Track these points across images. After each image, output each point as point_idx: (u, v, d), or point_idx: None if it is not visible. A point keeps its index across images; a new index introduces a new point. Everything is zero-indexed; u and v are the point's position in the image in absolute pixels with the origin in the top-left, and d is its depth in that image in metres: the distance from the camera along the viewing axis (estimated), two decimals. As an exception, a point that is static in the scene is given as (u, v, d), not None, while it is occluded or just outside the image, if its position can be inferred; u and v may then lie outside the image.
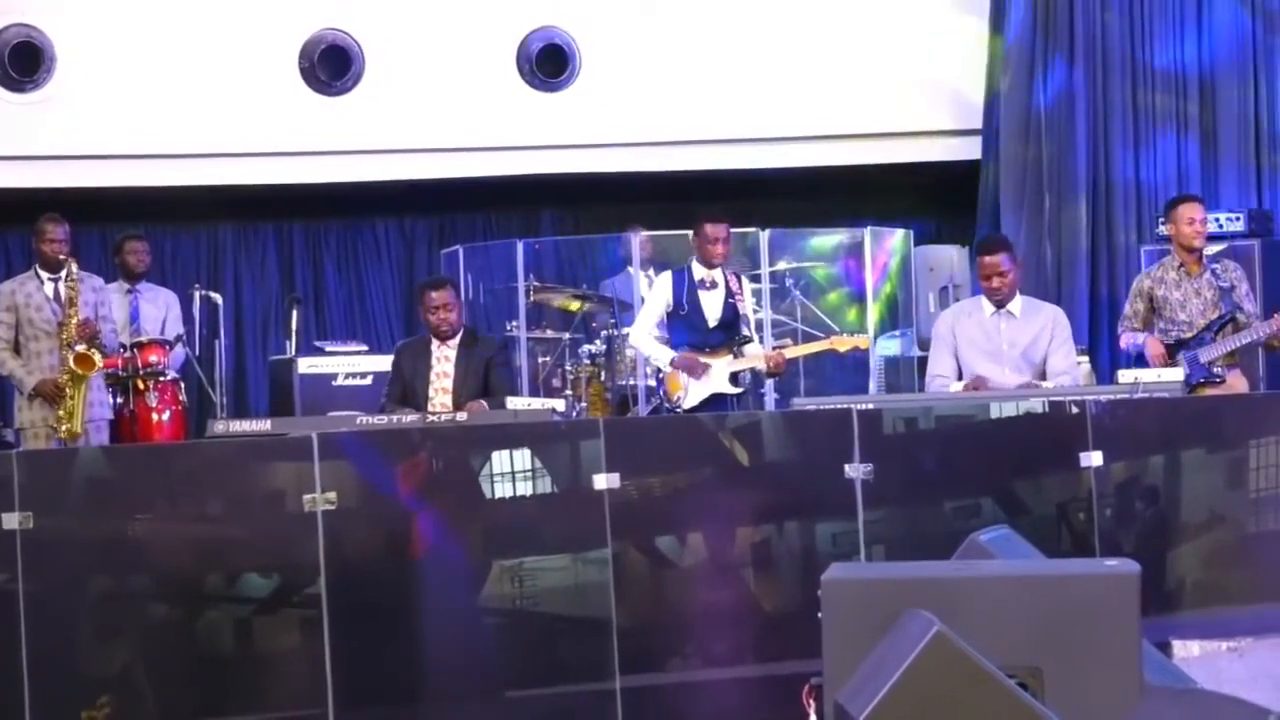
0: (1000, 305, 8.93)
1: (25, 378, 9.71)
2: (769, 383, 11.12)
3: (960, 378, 8.98)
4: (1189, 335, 9.41)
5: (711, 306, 9.87)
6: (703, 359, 9.78)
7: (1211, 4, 12.77)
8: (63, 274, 9.86)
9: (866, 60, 13.76)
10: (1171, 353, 9.40)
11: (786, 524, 7.18)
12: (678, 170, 14.01)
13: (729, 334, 9.89)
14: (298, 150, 13.76)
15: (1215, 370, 9.28)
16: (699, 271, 9.90)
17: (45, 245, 9.89)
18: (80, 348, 9.71)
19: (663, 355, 9.92)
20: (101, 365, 9.93)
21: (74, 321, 9.73)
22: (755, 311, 10.79)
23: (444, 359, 9.46)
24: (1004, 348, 8.89)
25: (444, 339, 9.47)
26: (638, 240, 12.47)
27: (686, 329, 9.89)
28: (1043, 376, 8.86)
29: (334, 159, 13.87)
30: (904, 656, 4.21)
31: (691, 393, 9.76)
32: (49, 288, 9.88)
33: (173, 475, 6.81)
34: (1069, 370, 8.92)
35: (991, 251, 9.05)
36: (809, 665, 5.02)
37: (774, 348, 10.48)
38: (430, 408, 9.23)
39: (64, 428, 9.63)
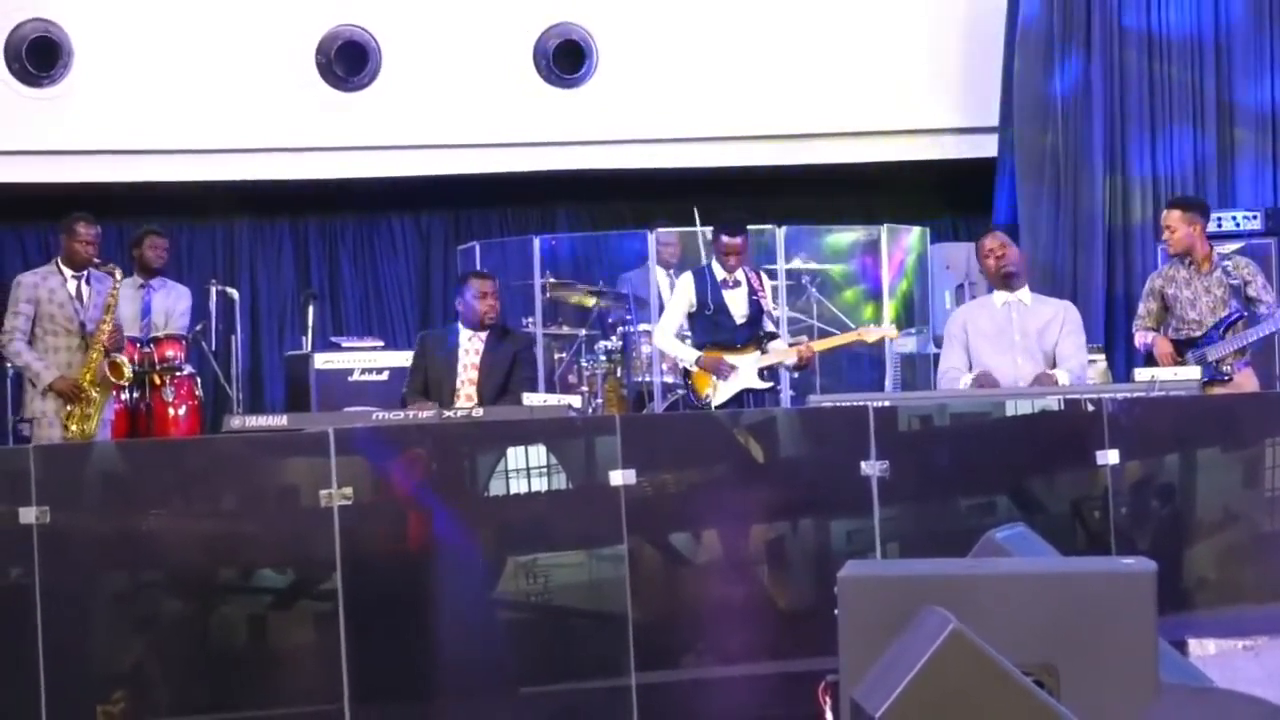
0: (1006, 281, 8.98)
1: (43, 372, 9.74)
2: (785, 380, 11.13)
3: (971, 370, 9.01)
4: (1198, 334, 9.41)
5: (736, 304, 9.90)
6: (729, 358, 9.80)
7: (1229, 4, 12.75)
8: (85, 274, 9.93)
9: (884, 57, 13.77)
10: (1180, 351, 9.41)
11: (802, 521, 7.18)
12: (694, 167, 14.01)
13: (754, 330, 9.92)
14: (314, 146, 13.77)
15: (1223, 369, 9.29)
16: (720, 271, 9.92)
17: (77, 244, 9.94)
18: (119, 357, 9.83)
19: (688, 355, 9.94)
20: (131, 375, 10.06)
21: (109, 328, 9.82)
22: (775, 308, 10.80)
23: (472, 351, 9.48)
24: (1015, 337, 8.92)
25: (486, 328, 9.50)
26: (654, 237, 12.45)
27: (712, 328, 9.91)
28: (1053, 366, 8.89)
29: (350, 155, 13.87)
30: (920, 654, 4.21)
31: (721, 390, 9.79)
32: (71, 285, 9.93)
33: (188, 470, 6.82)
34: (1076, 356, 8.94)
35: (986, 234, 9.36)
36: (824, 662, 5.01)
37: (790, 344, 10.48)
38: (456, 398, 9.27)
39: (76, 426, 9.68)
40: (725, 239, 9.88)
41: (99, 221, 10.28)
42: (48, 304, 9.86)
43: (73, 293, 9.93)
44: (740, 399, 9.78)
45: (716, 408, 9.67)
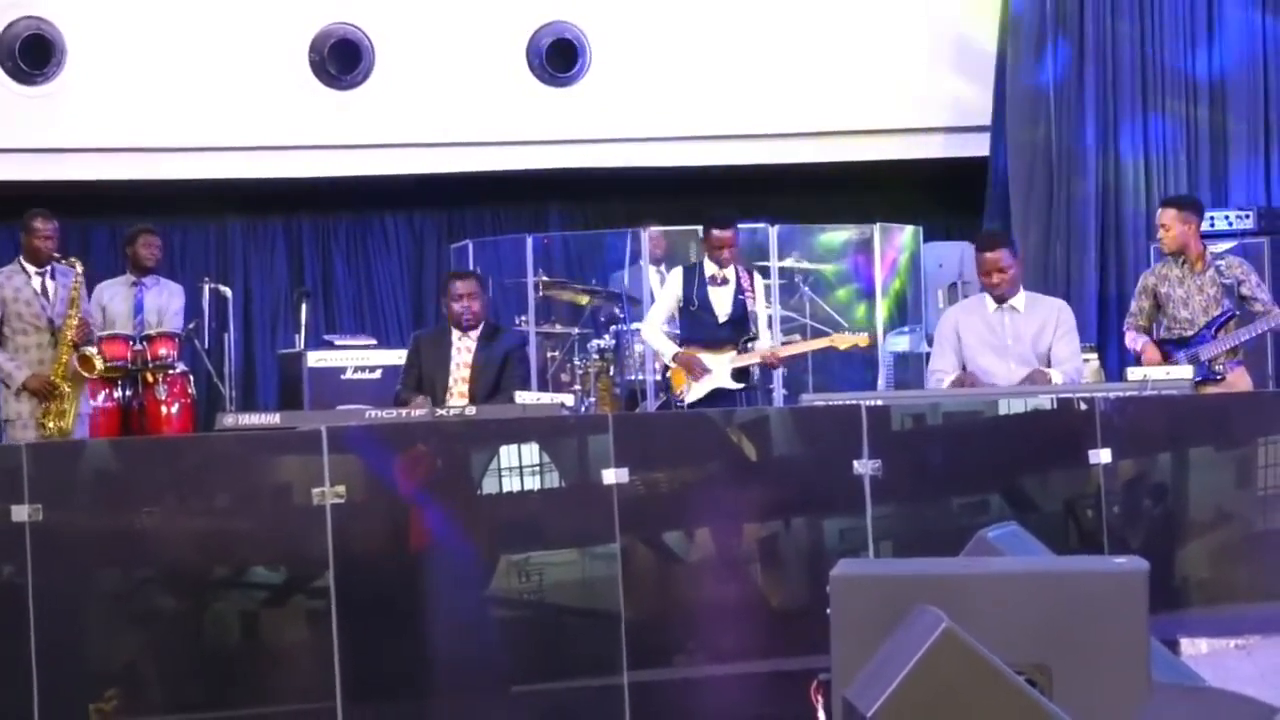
0: (1001, 301, 8.89)
1: (15, 372, 9.76)
2: (778, 379, 11.15)
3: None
4: (1190, 333, 9.40)
5: (721, 303, 9.91)
6: (704, 358, 9.84)
7: (1222, 1, 12.75)
8: (48, 269, 9.95)
9: (877, 56, 13.78)
10: (1172, 350, 9.40)
11: (795, 520, 7.17)
12: (687, 165, 14.02)
13: (738, 330, 9.93)
14: (307, 144, 13.77)
15: (1215, 369, 9.28)
16: (710, 267, 9.93)
17: (36, 240, 9.99)
18: (89, 350, 9.82)
19: (666, 350, 10.05)
20: (102, 368, 10.06)
21: (75, 323, 9.82)
22: (766, 308, 10.79)
23: (464, 350, 9.48)
24: (1009, 342, 8.86)
25: (466, 329, 9.48)
26: (647, 235, 12.47)
27: (696, 325, 9.96)
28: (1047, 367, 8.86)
29: (343, 153, 13.88)
30: (912, 652, 4.21)
31: (694, 387, 9.83)
32: (36, 282, 9.96)
33: (181, 468, 6.80)
34: (1071, 359, 8.89)
35: (991, 248, 8.97)
36: (817, 661, 5.02)
37: (784, 343, 10.50)
38: (449, 398, 9.26)
39: (53, 424, 9.69)
40: (716, 233, 9.91)
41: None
42: (14, 303, 9.88)
43: (38, 289, 9.96)
44: (714, 398, 9.81)
45: (688, 406, 9.73)
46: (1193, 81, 12.75)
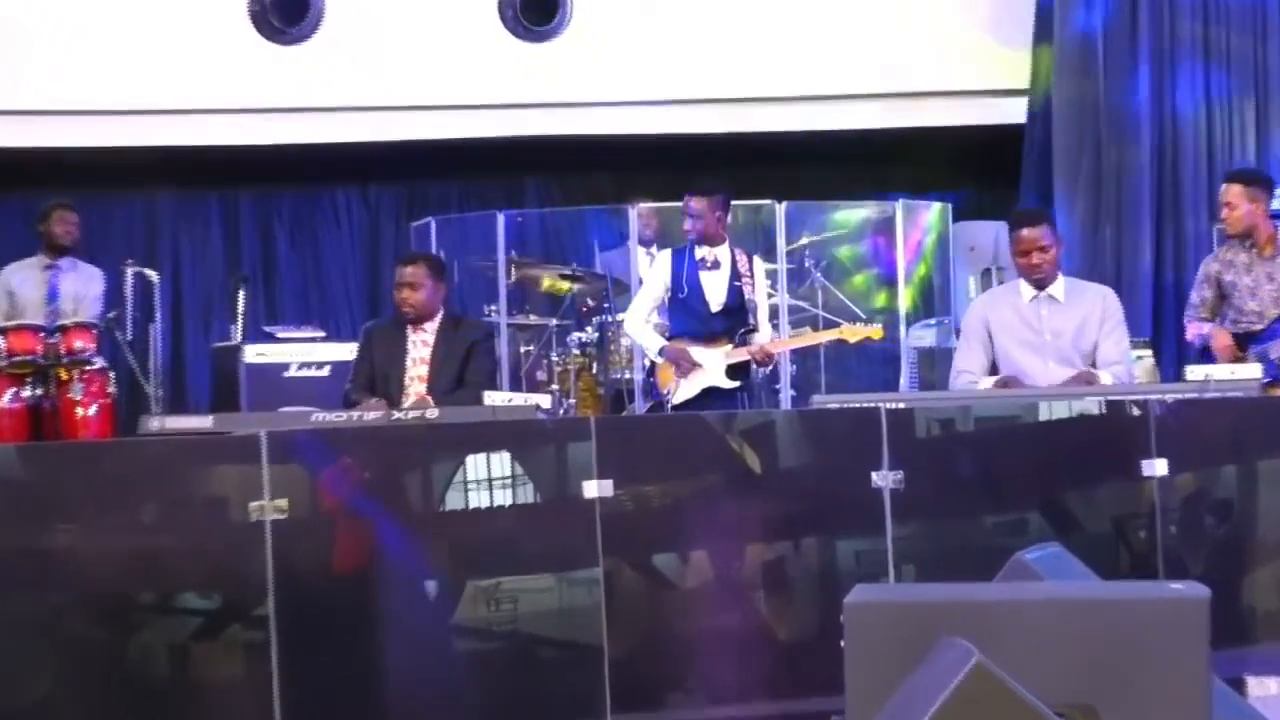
0: (1040, 286, 8.84)
1: None
2: (785, 377, 11.15)
3: (993, 374, 8.94)
4: (1259, 327, 9.39)
5: (714, 289, 9.90)
6: (694, 353, 9.83)
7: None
8: None
9: (898, 10, 13.78)
10: (1240, 345, 9.38)
11: (804, 539, 7.18)
12: (681, 133, 14.02)
13: (733, 321, 9.92)
14: (247, 107, 13.77)
15: (1288, 367, 9.28)
16: (701, 249, 9.91)
17: None
18: None
19: (652, 344, 10.03)
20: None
21: None
22: (771, 296, 10.78)
23: (421, 344, 9.48)
24: (1047, 337, 8.79)
25: (411, 322, 9.47)
26: (636, 212, 12.47)
27: (686, 314, 9.95)
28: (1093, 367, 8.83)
29: (288, 117, 13.88)
30: (938, 691, 4.20)
31: (683, 386, 9.82)
32: None
33: (100, 478, 6.78)
34: (1122, 359, 8.84)
35: (1029, 224, 8.90)
36: (830, 701, 5.03)
37: (791, 335, 10.50)
38: (404, 397, 9.26)
39: None
40: (685, 199, 9.93)
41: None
42: None
43: None
44: (706, 398, 9.80)
45: (674, 407, 9.73)
46: (1260, 58, 12.74)
